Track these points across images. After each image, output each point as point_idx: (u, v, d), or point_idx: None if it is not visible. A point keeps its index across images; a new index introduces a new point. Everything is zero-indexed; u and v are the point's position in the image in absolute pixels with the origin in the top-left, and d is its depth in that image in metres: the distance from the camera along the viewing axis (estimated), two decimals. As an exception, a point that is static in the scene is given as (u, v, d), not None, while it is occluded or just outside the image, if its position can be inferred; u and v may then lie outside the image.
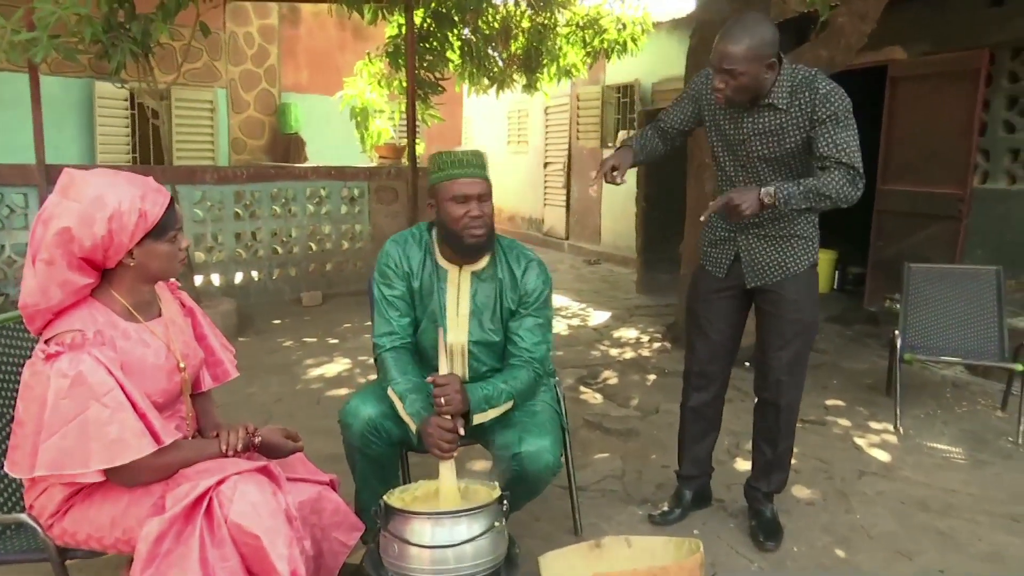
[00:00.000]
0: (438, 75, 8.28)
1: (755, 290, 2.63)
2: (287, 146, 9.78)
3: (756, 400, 2.73)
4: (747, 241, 2.59)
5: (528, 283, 2.29)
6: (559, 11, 8.42)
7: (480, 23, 7.94)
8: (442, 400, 2.00)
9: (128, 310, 1.78)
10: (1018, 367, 3.80)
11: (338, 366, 4.88)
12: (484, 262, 2.30)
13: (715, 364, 2.76)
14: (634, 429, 3.80)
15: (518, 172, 12.65)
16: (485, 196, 2.18)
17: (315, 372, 4.73)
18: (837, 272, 7.45)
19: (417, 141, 8.34)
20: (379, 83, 8.35)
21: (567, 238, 11.32)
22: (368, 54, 8.36)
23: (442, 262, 2.30)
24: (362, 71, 8.44)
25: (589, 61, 8.80)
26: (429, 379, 2.03)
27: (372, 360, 4.89)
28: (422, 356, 2.34)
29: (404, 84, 8.26)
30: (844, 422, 3.96)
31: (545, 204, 11.97)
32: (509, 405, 2.20)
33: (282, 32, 9.77)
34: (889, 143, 6.13)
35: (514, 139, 12.98)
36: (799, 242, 2.57)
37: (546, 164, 11.87)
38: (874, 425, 3.92)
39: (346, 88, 8.64)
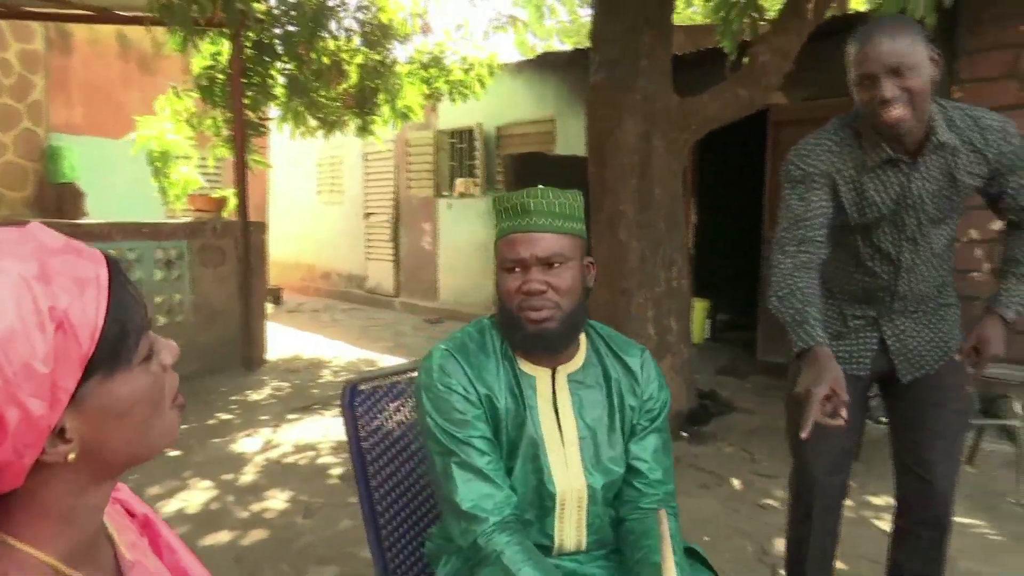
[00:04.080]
0: (260, 114, 7.13)
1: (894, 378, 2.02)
2: (59, 198, 7.91)
3: (901, 524, 2.10)
4: (895, 324, 1.98)
5: (651, 383, 1.50)
6: (393, 46, 7.63)
7: (312, 55, 6.92)
8: None
9: (55, 571, 0.70)
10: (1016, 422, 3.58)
11: (200, 494, 3.58)
12: (582, 358, 1.47)
13: (839, 475, 2.10)
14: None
15: (332, 223, 11.50)
16: (558, 258, 1.36)
17: (171, 507, 3.41)
18: (709, 320, 7.24)
19: (221, 191, 7.07)
20: (188, 123, 6.98)
21: (397, 295, 10.35)
22: (174, 88, 6.98)
23: (524, 366, 1.44)
24: (165, 108, 7.02)
25: (429, 103, 8.09)
26: None
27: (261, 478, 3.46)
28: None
29: (219, 124, 7.01)
30: (877, 501, 3.44)
31: (368, 259, 10.91)
32: None
33: (49, 61, 7.96)
34: (774, 188, 6.00)
35: (326, 188, 11.81)
36: (953, 312, 2.04)
37: (367, 215, 10.86)
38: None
39: (140, 128, 7.14)
